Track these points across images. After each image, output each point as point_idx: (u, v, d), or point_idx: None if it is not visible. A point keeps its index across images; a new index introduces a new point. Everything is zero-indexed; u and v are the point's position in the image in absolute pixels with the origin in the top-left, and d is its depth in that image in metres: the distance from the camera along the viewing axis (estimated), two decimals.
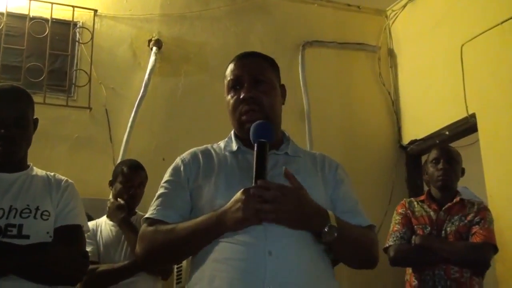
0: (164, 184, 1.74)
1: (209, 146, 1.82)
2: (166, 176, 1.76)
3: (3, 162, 2.03)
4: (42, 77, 4.16)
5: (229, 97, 1.75)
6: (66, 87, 4.26)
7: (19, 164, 2.09)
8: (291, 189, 1.51)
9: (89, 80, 4.26)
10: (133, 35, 4.56)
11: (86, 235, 2.15)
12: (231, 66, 1.77)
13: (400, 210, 3.09)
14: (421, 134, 4.75)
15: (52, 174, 2.15)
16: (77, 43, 4.39)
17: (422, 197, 3.12)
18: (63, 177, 2.16)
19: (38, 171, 2.15)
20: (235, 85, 1.73)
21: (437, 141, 4.41)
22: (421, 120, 4.79)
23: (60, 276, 1.91)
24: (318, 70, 4.99)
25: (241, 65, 1.75)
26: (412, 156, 4.92)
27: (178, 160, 1.78)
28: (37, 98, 2.40)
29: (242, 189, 1.49)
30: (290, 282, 1.45)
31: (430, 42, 4.71)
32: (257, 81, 1.71)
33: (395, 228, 3.02)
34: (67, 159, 4.06)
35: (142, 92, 4.33)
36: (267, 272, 1.44)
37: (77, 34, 4.40)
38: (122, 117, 4.29)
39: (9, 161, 2.04)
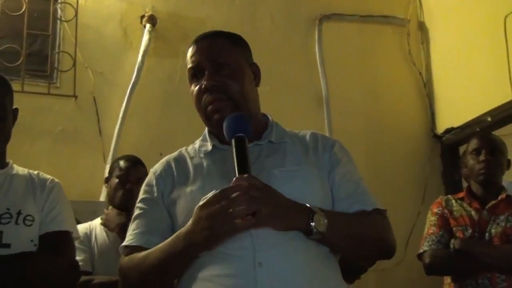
0: (139, 204, 1.76)
1: (183, 149, 1.83)
2: (141, 194, 1.79)
3: None
4: (20, 61, 4.17)
5: (192, 87, 1.75)
6: (47, 73, 4.28)
7: None
8: (270, 187, 1.50)
9: (74, 64, 4.27)
10: (123, 10, 4.55)
11: (76, 242, 2.16)
12: (189, 52, 1.77)
13: (435, 210, 3.09)
14: (458, 121, 4.72)
15: (35, 172, 2.17)
16: (58, 21, 4.39)
17: (461, 194, 3.11)
18: (48, 176, 2.17)
19: (19, 169, 2.16)
20: (196, 74, 1.74)
21: (478, 129, 4.38)
22: (458, 105, 4.76)
23: None
24: (338, 48, 4.97)
25: (199, 49, 1.75)
26: (448, 146, 4.91)
27: (150, 174, 1.80)
28: (14, 86, 2.37)
29: (200, 204, 1.48)
30: None
31: (468, 14, 4.67)
32: (219, 66, 1.71)
33: (431, 231, 3.02)
34: (50, 155, 4.07)
35: (135, 77, 4.34)
36: (258, 286, 1.43)
37: (59, 11, 4.40)
38: (112, 106, 4.30)
39: None
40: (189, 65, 1.75)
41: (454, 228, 2.97)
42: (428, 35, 5.20)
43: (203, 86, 1.69)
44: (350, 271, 3.03)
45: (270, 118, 1.83)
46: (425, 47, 5.19)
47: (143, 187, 1.79)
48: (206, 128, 1.81)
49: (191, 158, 1.77)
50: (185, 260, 1.54)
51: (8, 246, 1.92)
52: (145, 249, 1.63)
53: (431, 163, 4.90)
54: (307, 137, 1.80)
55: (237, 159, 1.51)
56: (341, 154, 1.76)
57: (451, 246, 2.91)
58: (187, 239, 1.50)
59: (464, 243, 2.89)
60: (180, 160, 1.78)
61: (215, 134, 1.75)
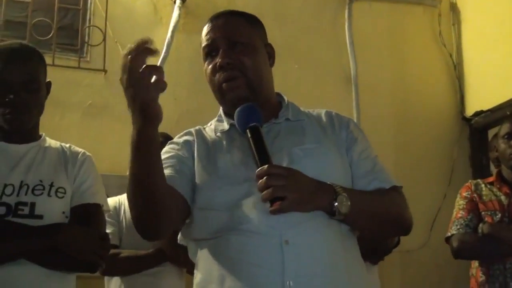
0: (168, 146, 1.73)
1: (201, 127, 1.82)
2: (169, 143, 1.76)
3: (12, 132, 2.05)
4: (51, 35, 4.18)
5: (205, 65, 1.74)
6: (77, 46, 4.29)
7: (30, 134, 2.12)
8: (294, 170, 1.50)
9: (104, 39, 4.26)
10: None
11: (106, 215, 2.18)
12: (204, 30, 1.77)
13: (464, 194, 3.05)
14: (488, 104, 4.65)
15: (67, 145, 2.18)
16: None
17: (491, 179, 3.07)
18: (79, 149, 2.18)
19: (51, 142, 2.17)
20: (210, 51, 1.73)
21: (508, 113, 4.31)
22: (488, 87, 4.68)
23: (78, 261, 1.94)
24: (368, 28, 4.93)
25: (214, 27, 1.74)
26: (477, 130, 4.85)
27: (173, 139, 1.79)
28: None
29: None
30: (314, 273, 1.46)
31: None
32: (234, 43, 1.71)
33: (459, 215, 2.99)
34: (79, 129, 4.10)
35: (164, 53, 4.32)
36: (285, 264, 1.44)
37: None
38: None
39: (19, 130, 2.06)
40: (204, 43, 1.74)
41: (483, 213, 2.94)
42: (459, 17, 5.11)
43: (217, 64, 1.68)
44: (374, 252, 3.03)
45: (285, 97, 1.83)
46: (456, 28, 5.11)
47: (167, 145, 1.76)
48: (221, 109, 1.80)
49: (209, 136, 1.76)
50: (142, 142, 1.40)
51: (40, 217, 1.94)
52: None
53: (459, 146, 4.85)
54: (323, 115, 1.80)
55: (256, 150, 1.51)
56: (357, 132, 1.77)
57: (479, 230, 2.89)
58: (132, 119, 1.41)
59: (493, 228, 2.85)
60: (200, 134, 1.77)
61: (230, 113, 1.73)
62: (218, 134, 1.75)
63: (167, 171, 1.58)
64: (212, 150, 1.70)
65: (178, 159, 1.67)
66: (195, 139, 1.74)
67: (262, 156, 1.49)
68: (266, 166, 1.46)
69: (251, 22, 1.80)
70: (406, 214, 1.69)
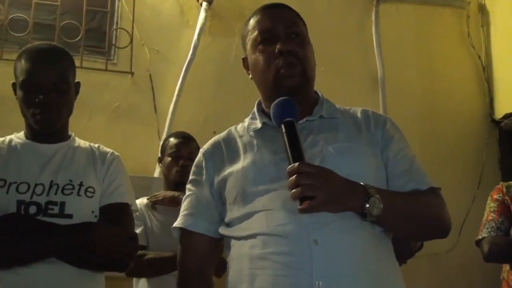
0: (188, 185, 1.81)
1: (232, 128, 1.83)
2: (191, 174, 1.82)
3: (43, 132, 2.07)
4: (79, 37, 4.22)
5: (257, 54, 1.73)
6: (105, 49, 4.33)
7: (60, 134, 2.13)
8: (326, 170, 1.48)
9: (131, 41, 4.30)
10: None
11: (134, 215, 2.19)
12: (257, 18, 1.77)
13: (496, 196, 3.02)
14: None
15: (96, 145, 2.20)
16: None
17: None
18: (108, 149, 2.20)
19: (80, 142, 2.19)
20: (267, 38, 1.72)
21: None
22: None
23: (107, 260, 1.95)
24: (395, 30, 4.90)
25: (273, 16, 1.75)
26: (506, 132, 4.81)
27: (199, 154, 1.82)
28: None
29: None
30: (343, 273, 1.45)
31: None
32: (293, 33, 1.72)
33: (490, 217, 2.95)
34: (105, 131, 4.12)
35: (191, 55, 4.35)
36: (314, 264, 1.43)
37: None
38: (167, 83, 4.32)
39: (49, 130, 2.08)
40: (258, 30, 1.73)
41: None
42: (488, 18, 5.07)
43: (277, 50, 1.67)
44: (397, 255, 2.99)
45: (321, 94, 1.82)
46: (485, 30, 5.07)
47: (192, 168, 1.82)
48: (256, 106, 1.80)
49: (241, 136, 1.77)
50: None
51: (70, 216, 1.95)
52: (190, 231, 1.71)
53: (488, 149, 4.80)
54: (358, 113, 1.77)
55: (289, 146, 1.49)
56: (393, 131, 1.74)
57: None
58: None
59: None
60: (229, 140, 1.78)
61: (266, 112, 1.74)
62: (251, 133, 1.75)
63: (200, 220, 1.73)
64: (242, 151, 1.71)
65: (204, 199, 1.75)
66: (223, 148, 1.76)
67: (295, 153, 1.47)
68: (297, 163, 1.44)
69: (301, 19, 1.82)
70: (444, 216, 1.66)
